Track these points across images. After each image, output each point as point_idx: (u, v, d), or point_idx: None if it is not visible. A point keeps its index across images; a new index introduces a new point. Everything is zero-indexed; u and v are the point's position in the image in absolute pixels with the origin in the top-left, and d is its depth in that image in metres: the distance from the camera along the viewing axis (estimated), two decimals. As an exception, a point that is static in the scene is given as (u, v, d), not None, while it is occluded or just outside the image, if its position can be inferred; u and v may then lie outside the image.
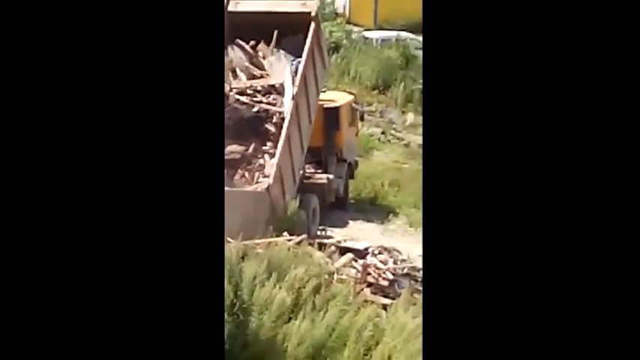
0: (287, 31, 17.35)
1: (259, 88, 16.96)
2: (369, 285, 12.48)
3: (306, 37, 17.12)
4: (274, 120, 16.63)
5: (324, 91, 19.55)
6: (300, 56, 17.07)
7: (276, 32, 17.33)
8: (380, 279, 12.68)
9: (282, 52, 17.51)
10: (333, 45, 28.39)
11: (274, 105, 16.73)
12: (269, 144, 16.41)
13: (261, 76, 17.17)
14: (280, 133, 16.05)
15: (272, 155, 16.02)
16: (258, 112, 16.63)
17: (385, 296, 12.36)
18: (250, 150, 16.22)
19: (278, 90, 16.98)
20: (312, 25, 17.28)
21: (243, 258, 10.37)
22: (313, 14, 17.43)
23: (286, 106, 16.52)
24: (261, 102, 16.75)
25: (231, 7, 17.44)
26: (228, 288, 8.92)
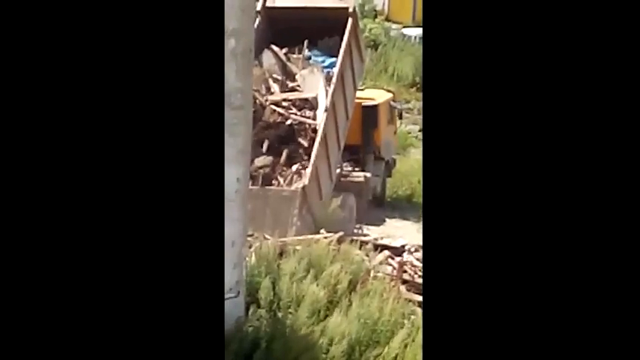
0: (324, 27, 17.38)
1: (292, 98, 16.91)
2: (405, 282, 12.47)
3: (343, 33, 17.14)
4: (307, 135, 16.58)
5: (362, 89, 19.52)
6: (337, 54, 17.09)
7: (306, 42, 17.33)
8: (416, 277, 12.67)
9: (313, 63, 17.45)
10: (371, 43, 28.40)
11: (308, 118, 16.68)
12: (304, 156, 16.35)
13: (293, 88, 17.15)
14: (313, 147, 15.98)
15: (306, 167, 15.93)
16: (291, 125, 16.60)
17: (421, 294, 12.35)
18: (282, 161, 16.11)
19: (312, 103, 16.93)
20: (350, 20, 17.30)
21: (281, 255, 10.43)
22: (351, 10, 17.44)
23: (319, 119, 16.49)
24: (295, 114, 16.75)
25: (269, 3, 17.52)
26: (267, 285, 9.01)
